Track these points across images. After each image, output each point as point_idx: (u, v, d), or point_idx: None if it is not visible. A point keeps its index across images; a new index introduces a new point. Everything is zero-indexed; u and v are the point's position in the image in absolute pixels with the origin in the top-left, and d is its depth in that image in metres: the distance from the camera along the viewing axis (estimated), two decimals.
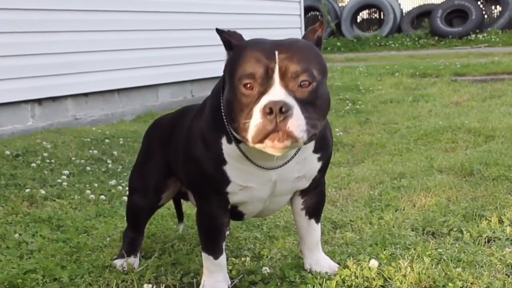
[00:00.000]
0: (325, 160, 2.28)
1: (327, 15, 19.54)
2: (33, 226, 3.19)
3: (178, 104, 6.72)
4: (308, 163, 2.21)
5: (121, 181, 4.13)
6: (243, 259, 2.57)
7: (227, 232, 2.69)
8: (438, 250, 2.61)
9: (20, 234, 3.07)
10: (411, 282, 2.27)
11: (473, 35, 18.05)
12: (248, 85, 1.85)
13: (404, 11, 20.62)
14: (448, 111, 6.74)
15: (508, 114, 6.16)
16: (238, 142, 2.04)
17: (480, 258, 2.50)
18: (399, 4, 20.26)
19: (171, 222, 3.22)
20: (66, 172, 4.31)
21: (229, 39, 2.00)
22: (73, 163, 4.57)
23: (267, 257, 2.62)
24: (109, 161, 4.70)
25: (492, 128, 5.35)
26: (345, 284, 2.28)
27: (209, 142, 2.12)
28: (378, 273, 2.33)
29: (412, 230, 2.94)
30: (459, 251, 2.59)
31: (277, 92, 1.82)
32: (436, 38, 18.52)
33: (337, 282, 2.28)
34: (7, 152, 4.66)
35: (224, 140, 2.09)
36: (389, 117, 6.63)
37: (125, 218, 2.87)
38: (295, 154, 2.12)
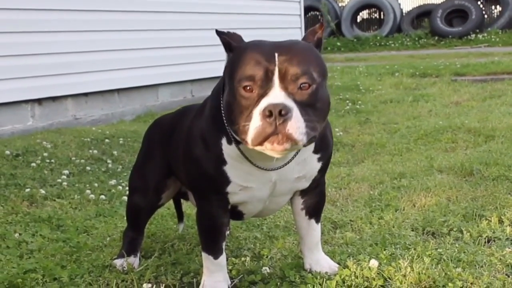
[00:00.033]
0: (325, 161, 2.28)
1: (327, 15, 19.54)
2: (33, 226, 3.19)
3: (178, 104, 6.72)
4: (308, 164, 2.21)
5: (121, 181, 4.13)
6: (243, 259, 2.57)
7: (227, 232, 2.69)
8: (438, 250, 2.61)
9: (20, 234, 3.07)
10: (411, 282, 2.27)
11: (473, 35, 18.06)
12: (248, 88, 1.85)
13: (404, 11, 20.63)
14: (448, 111, 6.74)
15: (508, 114, 6.16)
16: (238, 143, 2.04)
17: (480, 258, 2.50)
18: (399, 4, 20.26)
19: (171, 222, 3.22)
20: (66, 172, 4.31)
21: (229, 41, 1.99)
22: (73, 163, 4.57)
23: (267, 257, 2.62)
24: (109, 161, 4.70)
25: (492, 128, 5.35)
26: (345, 284, 2.28)
27: (209, 142, 2.12)
28: (378, 273, 2.33)
29: (412, 230, 2.94)
30: (459, 251, 2.59)
31: (276, 95, 1.82)
32: (436, 38, 18.52)
33: (337, 282, 2.28)
34: (7, 152, 4.66)
35: (224, 141, 2.09)
36: (389, 117, 6.63)
37: (125, 218, 2.87)
38: (295, 155, 2.12)
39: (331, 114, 2.01)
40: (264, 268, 2.46)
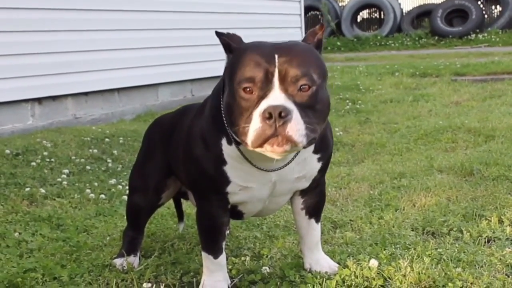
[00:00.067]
0: (325, 161, 2.28)
1: (327, 14, 19.54)
2: (33, 225, 3.20)
3: (178, 104, 6.72)
4: (308, 164, 2.21)
5: (121, 180, 4.13)
6: (243, 258, 2.57)
7: (227, 232, 2.69)
8: (438, 250, 2.61)
9: (20, 233, 3.07)
10: (411, 282, 2.27)
11: (473, 35, 18.06)
12: (248, 89, 1.84)
13: (404, 11, 20.63)
14: (448, 111, 6.74)
15: (508, 114, 6.16)
16: (238, 143, 2.04)
17: (480, 258, 2.50)
18: (399, 4, 20.26)
19: (171, 221, 3.22)
20: (66, 171, 4.31)
21: (229, 42, 1.99)
22: (73, 162, 4.57)
23: (267, 256, 2.62)
24: (109, 160, 4.70)
25: (492, 128, 5.34)
26: (345, 284, 2.28)
27: (209, 142, 2.12)
28: (378, 273, 2.33)
29: (412, 230, 2.94)
30: (459, 251, 2.59)
31: (276, 97, 1.82)
32: (436, 38, 18.52)
33: (337, 281, 2.28)
34: (7, 151, 4.66)
35: (224, 141, 2.09)
36: (389, 116, 6.63)
37: (125, 217, 2.87)
38: (295, 156, 2.12)
39: (331, 114, 2.01)
40: (264, 267, 2.46)
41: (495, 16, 20.08)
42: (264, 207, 2.31)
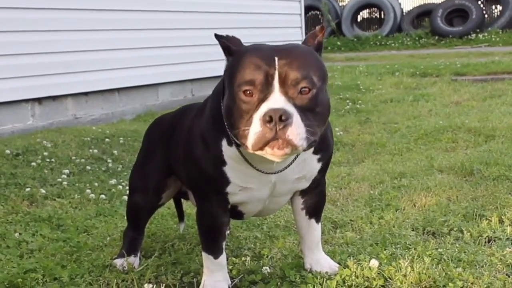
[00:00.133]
0: (325, 161, 2.28)
1: (327, 14, 19.55)
2: (33, 226, 3.19)
3: (178, 104, 6.72)
4: (308, 164, 2.21)
5: (121, 180, 4.13)
6: (243, 258, 2.57)
7: (227, 232, 2.69)
8: (439, 250, 2.61)
9: (20, 234, 3.07)
10: (411, 282, 2.26)
11: (474, 35, 18.06)
12: (248, 92, 1.84)
13: (404, 11, 20.64)
14: (448, 111, 6.74)
15: (508, 113, 6.15)
16: (238, 145, 2.04)
17: (480, 258, 2.50)
18: (400, 4, 20.27)
19: (171, 221, 3.22)
20: (66, 171, 4.31)
21: (228, 45, 1.98)
22: (73, 162, 4.57)
23: (267, 256, 2.61)
24: (109, 160, 4.70)
25: (493, 128, 5.34)
26: (346, 284, 2.28)
27: (209, 142, 2.12)
28: (378, 273, 2.33)
29: (413, 230, 2.94)
30: (459, 251, 2.59)
31: (276, 100, 1.81)
32: (437, 37, 18.53)
33: (337, 282, 2.28)
34: (7, 151, 4.66)
35: (224, 142, 2.09)
36: (389, 116, 6.63)
37: (125, 218, 2.87)
38: (295, 158, 2.12)
39: (331, 114, 2.00)
40: (264, 267, 2.46)
41: (496, 16, 20.08)
42: (264, 207, 2.31)
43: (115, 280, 2.43)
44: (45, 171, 4.30)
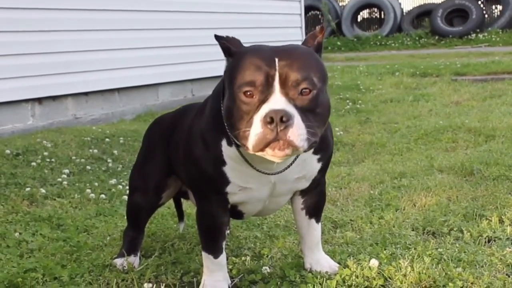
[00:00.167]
0: (325, 161, 2.28)
1: (327, 14, 19.55)
2: (33, 225, 3.19)
3: (178, 103, 6.72)
4: (308, 164, 2.21)
5: (121, 180, 4.13)
6: (243, 258, 2.57)
7: (227, 231, 2.69)
8: (439, 249, 2.61)
9: (20, 233, 3.07)
10: (411, 282, 2.27)
11: (474, 35, 18.06)
12: (248, 93, 1.84)
13: (404, 11, 20.64)
14: (449, 111, 6.74)
15: (508, 113, 6.15)
16: (238, 146, 2.04)
17: (480, 258, 2.50)
18: (400, 4, 20.27)
19: (171, 221, 3.22)
20: (66, 171, 4.31)
21: (228, 46, 1.98)
22: (73, 162, 4.57)
23: (267, 256, 2.61)
24: (109, 160, 4.70)
25: (493, 128, 5.34)
26: (346, 284, 2.28)
27: (209, 142, 2.12)
28: (378, 273, 2.33)
29: (413, 230, 2.94)
30: (459, 251, 2.59)
31: (277, 101, 1.81)
32: (437, 37, 18.53)
33: (337, 281, 2.28)
34: (7, 151, 4.66)
35: (224, 142, 2.09)
36: (389, 116, 6.63)
37: (125, 217, 2.87)
38: (295, 158, 2.12)
39: (331, 114, 2.01)
40: (264, 267, 2.46)
41: (496, 15, 20.08)
42: (264, 207, 2.31)
43: (115, 280, 2.43)
44: (45, 171, 4.30)
